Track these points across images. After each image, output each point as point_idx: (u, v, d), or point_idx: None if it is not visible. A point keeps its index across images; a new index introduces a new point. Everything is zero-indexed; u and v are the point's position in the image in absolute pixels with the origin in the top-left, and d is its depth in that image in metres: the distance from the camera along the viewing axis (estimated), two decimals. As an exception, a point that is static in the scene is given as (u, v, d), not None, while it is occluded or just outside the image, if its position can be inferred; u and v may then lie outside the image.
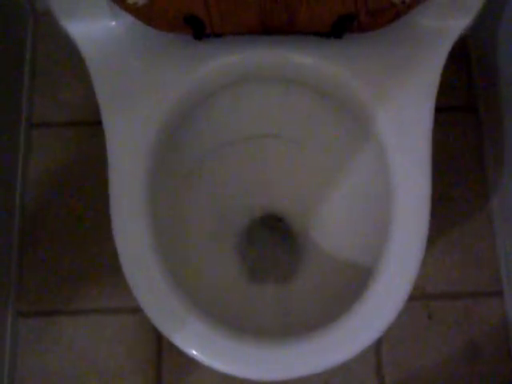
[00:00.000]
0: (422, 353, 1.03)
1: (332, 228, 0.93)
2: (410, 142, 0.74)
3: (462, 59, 1.15)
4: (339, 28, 0.74)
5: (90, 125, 1.12)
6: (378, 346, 1.03)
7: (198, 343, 0.66)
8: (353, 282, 0.82)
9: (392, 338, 1.03)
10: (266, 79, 0.84)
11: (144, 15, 0.72)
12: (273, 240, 1.01)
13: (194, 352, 0.66)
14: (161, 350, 1.02)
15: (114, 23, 0.77)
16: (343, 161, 0.92)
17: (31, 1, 1.14)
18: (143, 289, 0.68)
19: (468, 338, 1.03)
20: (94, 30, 0.76)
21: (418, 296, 1.05)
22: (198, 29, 0.73)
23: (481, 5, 0.77)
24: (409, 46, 0.77)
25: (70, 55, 1.14)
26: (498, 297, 1.05)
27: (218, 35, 0.76)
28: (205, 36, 0.76)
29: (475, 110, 1.13)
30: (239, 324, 0.82)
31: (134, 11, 0.71)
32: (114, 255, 0.70)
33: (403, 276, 0.69)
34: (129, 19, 0.73)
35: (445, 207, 1.08)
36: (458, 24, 0.78)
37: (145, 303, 0.68)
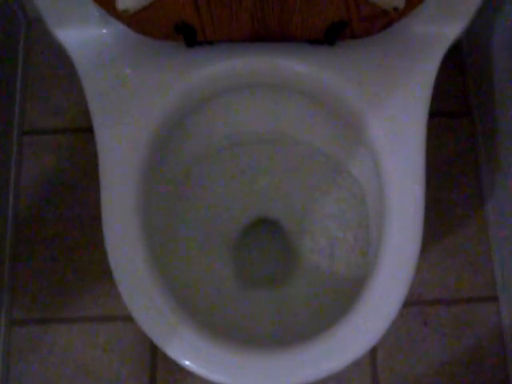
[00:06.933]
0: (418, 359, 1.02)
1: (326, 233, 0.93)
2: (403, 148, 0.73)
3: (456, 65, 1.15)
4: (332, 35, 0.74)
5: (82, 132, 1.12)
6: (373, 352, 1.02)
7: (190, 353, 0.66)
8: (347, 288, 0.82)
9: (387, 345, 1.02)
10: (258, 86, 0.83)
11: (135, 23, 0.71)
12: (266, 246, 1.00)
13: (187, 362, 0.66)
14: (155, 356, 1.02)
15: (104, 31, 0.76)
16: (337, 167, 0.92)
17: (24, 7, 1.14)
18: (135, 298, 0.68)
19: (464, 343, 1.03)
20: (85, 37, 0.76)
21: (414, 302, 1.04)
22: (189, 36, 0.73)
23: (474, 11, 0.77)
24: (402, 52, 0.77)
25: (62, 62, 1.14)
26: (493, 302, 1.05)
27: (209, 42, 0.76)
28: (197, 43, 0.75)
29: (469, 115, 1.13)
30: (232, 331, 0.81)
31: (125, 19, 0.70)
32: (106, 263, 0.70)
33: (398, 282, 0.69)
34: (120, 27, 0.73)
35: (440, 213, 1.08)
36: (451, 30, 0.77)
37: (136, 313, 0.68)
